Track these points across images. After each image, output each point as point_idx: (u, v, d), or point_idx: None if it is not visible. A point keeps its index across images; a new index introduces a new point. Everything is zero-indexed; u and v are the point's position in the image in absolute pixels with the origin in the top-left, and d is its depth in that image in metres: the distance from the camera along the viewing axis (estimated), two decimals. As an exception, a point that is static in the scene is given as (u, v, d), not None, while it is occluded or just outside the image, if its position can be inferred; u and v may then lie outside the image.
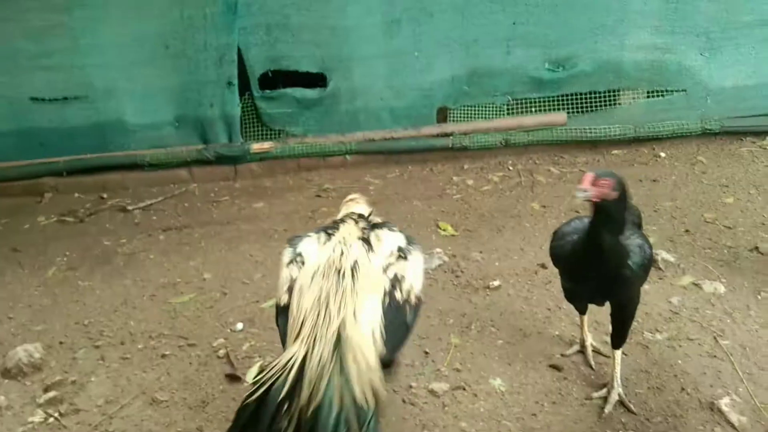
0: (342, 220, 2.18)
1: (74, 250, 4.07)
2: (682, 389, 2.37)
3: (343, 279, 1.86)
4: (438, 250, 3.56)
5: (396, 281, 1.91)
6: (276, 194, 4.72)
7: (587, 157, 4.81)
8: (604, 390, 2.36)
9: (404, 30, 4.81)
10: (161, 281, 3.53)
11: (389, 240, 2.05)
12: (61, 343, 3.02)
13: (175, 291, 3.42)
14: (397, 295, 1.89)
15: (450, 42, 4.83)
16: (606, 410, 2.29)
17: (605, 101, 4.89)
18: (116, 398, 2.58)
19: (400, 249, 2.01)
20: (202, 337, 2.97)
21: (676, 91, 4.86)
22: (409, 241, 2.08)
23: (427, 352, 2.70)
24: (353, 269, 1.88)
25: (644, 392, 2.37)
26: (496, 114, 5.03)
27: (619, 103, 4.95)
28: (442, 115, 5.03)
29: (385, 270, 1.93)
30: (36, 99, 4.98)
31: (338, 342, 1.72)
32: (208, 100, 4.98)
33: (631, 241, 2.13)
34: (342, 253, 1.93)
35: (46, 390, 2.64)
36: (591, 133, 4.79)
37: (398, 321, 1.86)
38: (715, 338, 2.65)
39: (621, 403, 2.32)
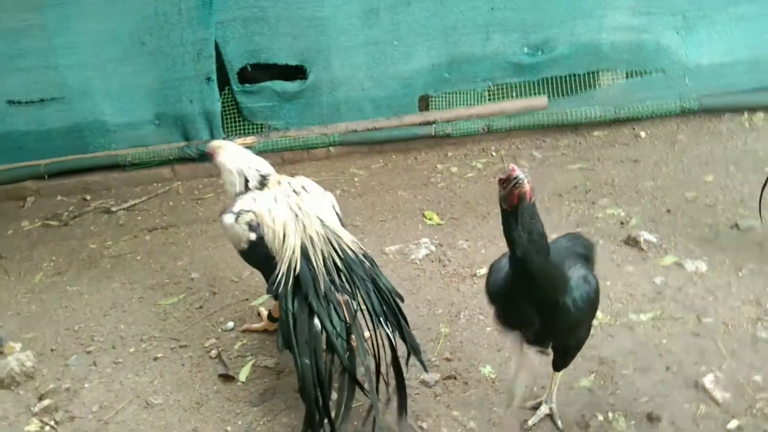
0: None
1: (60, 254, 4.05)
2: (668, 368, 2.44)
3: (298, 195, 2.52)
4: (425, 239, 3.59)
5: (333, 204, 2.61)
6: (261, 189, 4.71)
7: (569, 139, 4.85)
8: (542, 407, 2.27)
9: (382, 19, 4.78)
10: (149, 282, 3.53)
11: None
12: (52, 350, 3.01)
13: (164, 292, 3.42)
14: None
15: (428, 30, 4.81)
16: (530, 422, 2.22)
17: (585, 83, 4.92)
18: (111, 403, 2.59)
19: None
20: (193, 337, 2.99)
21: (655, 71, 4.89)
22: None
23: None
24: (301, 190, 2.55)
25: (630, 373, 2.43)
26: (477, 100, 5.04)
27: (599, 85, 4.99)
28: (424, 104, 5.03)
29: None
30: (12, 102, 4.89)
31: (322, 224, 2.42)
32: (187, 97, 4.93)
33: (574, 271, 1.94)
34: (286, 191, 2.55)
35: (40, 398, 2.65)
36: (572, 115, 4.82)
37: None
38: (698, 317, 2.71)
39: (550, 417, 2.26)
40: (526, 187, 1.67)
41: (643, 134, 4.79)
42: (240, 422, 2.41)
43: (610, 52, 4.83)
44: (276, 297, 2.50)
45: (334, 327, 2.17)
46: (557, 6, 4.73)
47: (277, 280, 2.29)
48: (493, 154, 4.84)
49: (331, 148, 4.98)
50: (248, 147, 4.94)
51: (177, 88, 4.92)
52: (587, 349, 2.56)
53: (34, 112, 4.91)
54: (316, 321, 2.21)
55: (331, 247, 2.37)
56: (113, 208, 4.64)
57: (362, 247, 2.44)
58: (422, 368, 2.32)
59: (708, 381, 2.33)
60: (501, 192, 1.72)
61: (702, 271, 3.03)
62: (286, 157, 5.01)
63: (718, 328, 2.63)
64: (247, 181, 2.62)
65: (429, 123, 4.92)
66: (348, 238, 2.44)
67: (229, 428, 2.37)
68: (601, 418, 2.24)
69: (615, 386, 2.37)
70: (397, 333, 2.22)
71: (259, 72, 4.97)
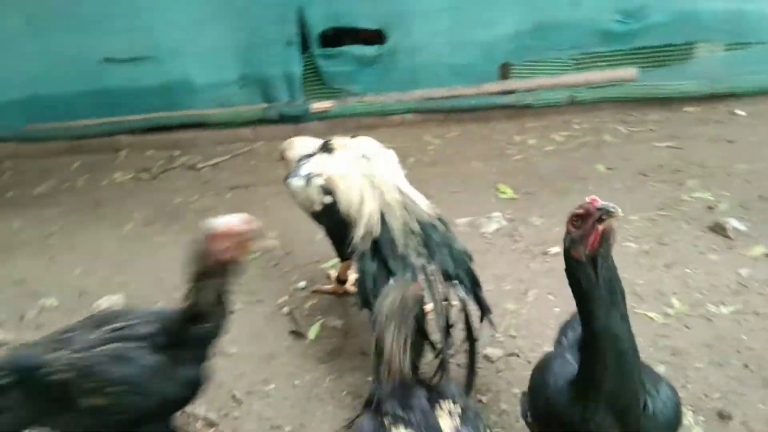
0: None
1: (149, 206, 4.31)
2: (746, 366, 2.33)
3: (369, 160, 2.55)
4: (496, 213, 3.55)
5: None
6: (337, 153, 4.79)
7: (658, 115, 4.60)
8: None
9: (468, -18, 4.68)
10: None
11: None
12: (141, 297, 3.25)
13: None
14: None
15: (514, -6, 4.66)
16: None
17: (679, 55, 4.63)
18: (191, 349, 2.78)
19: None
20: (268, 293, 3.14)
21: (757, 43, 4.52)
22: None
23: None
24: (371, 155, 2.59)
25: (704, 367, 2.34)
26: (561, 70, 4.86)
27: (695, 57, 4.67)
28: (505, 72, 4.90)
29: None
30: (108, 59, 5.19)
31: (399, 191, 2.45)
32: (269, 60, 5.05)
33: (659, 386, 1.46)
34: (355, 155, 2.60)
35: (128, 340, 2.87)
36: (663, 89, 4.57)
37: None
38: (785, 313, 2.57)
39: None
40: (614, 220, 1.27)
41: (740, 112, 4.47)
42: (307, 377, 2.53)
43: (710, 22, 4.51)
44: (344, 259, 2.70)
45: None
46: (655, -29, 4.45)
47: (354, 242, 2.38)
48: (576, 127, 4.67)
49: (407, 115, 4.97)
50: (325, 111, 5.11)
51: (260, 50, 5.05)
52: (660, 338, 2.50)
53: (129, 70, 5.19)
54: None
55: (406, 212, 2.41)
56: (198, 165, 4.88)
57: (437, 210, 2.48)
58: (493, 329, 2.40)
59: (789, 382, 2.21)
60: (574, 233, 1.33)
61: (794, 264, 2.85)
62: (363, 123, 5.05)
63: (807, 327, 2.48)
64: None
65: (509, 92, 4.81)
66: (423, 203, 2.47)
67: (297, 382, 2.50)
68: (667, 409, 2.18)
69: (686, 379, 2.30)
70: (471, 295, 2.24)
71: (339, 36, 5.01)
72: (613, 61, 4.75)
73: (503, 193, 3.86)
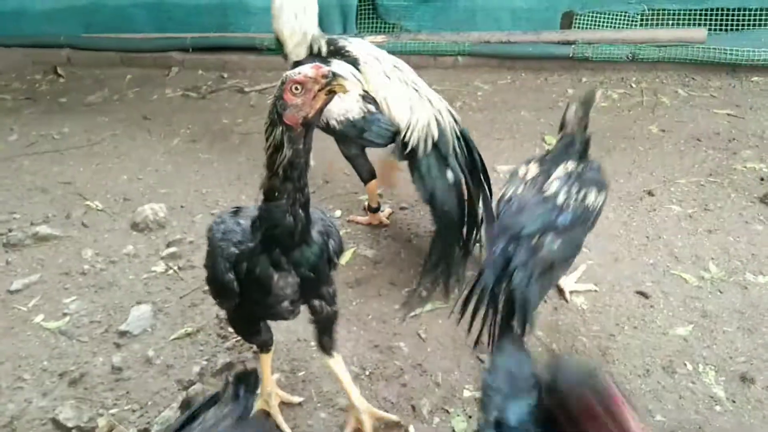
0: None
1: (196, 124, 4.39)
2: (778, 339, 2.30)
3: (401, 71, 2.72)
4: (539, 163, 3.49)
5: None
6: (384, 89, 4.74)
7: (722, 81, 4.39)
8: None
9: None
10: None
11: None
12: (182, 206, 3.36)
13: (283, 173, 3.63)
14: None
15: (588, -62, 4.44)
16: None
17: (754, 20, 4.37)
18: (226, 261, 2.88)
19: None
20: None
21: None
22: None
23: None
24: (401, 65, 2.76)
25: (732, 331, 2.32)
26: (626, 24, 4.65)
27: (772, 24, 4.41)
28: (567, 21, 4.73)
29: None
30: (168, -28, 5.20)
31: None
32: (327, -14, 4.97)
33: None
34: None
35: (167, 245, 2.99)
36: (731, 54, 4.32)
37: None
38: (826, 291, 2.50)
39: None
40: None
41: (814, 84, 4.23)
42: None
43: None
44: (368, 181, 2.93)
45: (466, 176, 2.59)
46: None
47: (407, 144, 2.58)
48: (633, 85, 4.50)
49: (459, 58, 4.86)
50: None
51: (319, -24, 4.95)
52: (691, 300, 2.47)
53: (186, -16, 5.19)
54: (450, 174, 2.57)
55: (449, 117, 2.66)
56: (246, 89, 4.91)
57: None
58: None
59: (820, 357, 2.18)
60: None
61: None
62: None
63: None
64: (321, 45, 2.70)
65: (568, 43, 4.63)
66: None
67: (324, 303, 2.57)
68: (690, 367, 2.18)
69: (713, 340, 2.28)
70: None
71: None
72: (682, 20, 4.52)
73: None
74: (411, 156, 2.60)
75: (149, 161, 3.90)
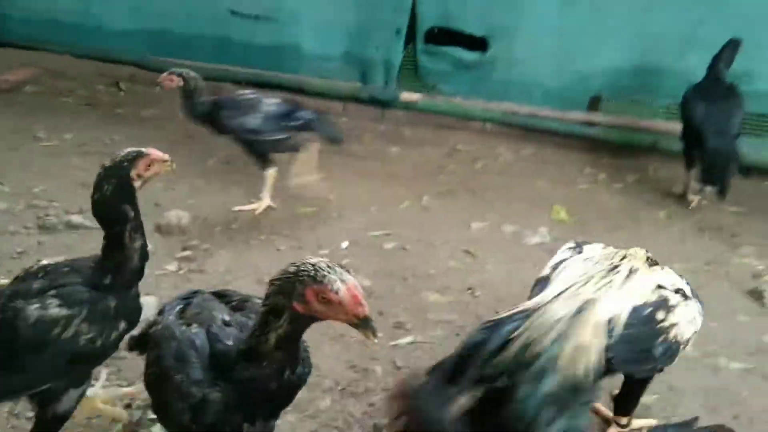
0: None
1: (233, 149, 4.67)
2: (735, 417, 2.37)
3: (614, 273, 1.89)
4: (543, 229, 3.67)
5: (663, 303, 1.87)
6: (412, 144, 5.01)
7: (737, 181, 4.51)
8: None
9: (579, 9, 4.78)
10: (295, 192, 4.02)
11: (672, 275, 2.05)
12: (204, 219, 3.63)
13: (303, 202, 3.89)
14: (657, 315, 1.83)
15: (623, 30, 4.72)
16: None
17: (776, 127, 4.54)
18: (234, 270, 3.11)
19: (680, 289, 1.97)
20: (311, 244, 3.41)
21: None
22: (692, 290, 2.03)
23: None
24: (630, 271, 1.91)
25: (695, 408, 2.39)
26: (651, 115, 4.86)
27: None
28: (594, 104, 4.97)
29: (657, 288, 1.91)
30: (234, 12, 5.68)
31: (579, 313, 1.74)
32: (375, 43, 5.35)
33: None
34: (624, 257, 1.97)
35: (183, 249, 3.25)
36: (750, 157, 4.45)
37: (642, 338, 1.80)
38: (796, 386, 2.56)
39: None
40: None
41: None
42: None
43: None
44: None
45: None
46: (769, 37, 4.38)
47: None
48: (650, 173, 4.67)
49: (487, 124, 5.13)
50: (413, 103, 5.34)
51: (369, 33, 5.36)
52: (661, 373, 2.56)
53: (249, 25, 5.65)
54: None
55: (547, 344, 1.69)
56: (285, 124, 5.25)
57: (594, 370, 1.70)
58: None
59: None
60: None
61: (826, 346, 2.80)
62: (444, 122, 5.25)
63: (815, 403, 2.47)
64: None
65: (593, 124, 4.86)
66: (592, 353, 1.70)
67: (314, 320, 2.74)
68: (645, 433, 2.26)
69: (674, 413, 2.36)
70: None
71: (444, 36, 5.24)
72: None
73: (557, 213, 3.95)
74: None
75: (185, 175, 4.20)
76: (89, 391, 2.04)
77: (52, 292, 1.72)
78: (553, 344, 1.67)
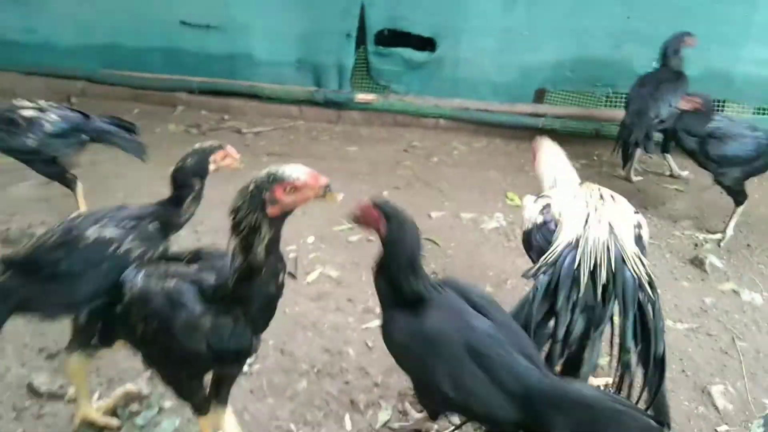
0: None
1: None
2: (683, 371, 2.58)
3: (603, 201, 2.30)
4: (499, 214, 3.86)
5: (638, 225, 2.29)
6: (369, 142, 5.16)
7: (676, 161, 4.83)
8: None
9: (519, 9, 5.03)
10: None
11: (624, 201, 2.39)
12: (169, 223, 3.66)
13: (266, 203, 3.97)
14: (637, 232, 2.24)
15: (561, 27, 4.99)
16: None
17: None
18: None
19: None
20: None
21: (784, 110, 4.74)
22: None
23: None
24: (611, 197, 2.35)
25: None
26: (593, 104, 5.14)
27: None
28: (539, 96, 5.22)
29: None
30: (184, 23, 5.71)
31: (612, 231, 2.12)
32: (327, 48, 5.48)
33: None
34: (596, 190, 2.38)
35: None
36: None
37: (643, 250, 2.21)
38: (733, 339, 2.80)
39: None
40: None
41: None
42: (297, 309, 2.87)
43: (741, 84, 4.74)
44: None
45: (562, 336, 1.98)
46: (696, 27, 4.66)
47: (538, 268, 2.10)
48: (595, 158, 4.94)
49: (441, 120, 5.32)
50: (367, 103, 5.48)
51: (320, 38, 5.48)
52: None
53: (200, 35, 5.70)
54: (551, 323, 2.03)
55: (606, 258, 2.05)
56: (243, 130, 5.33)
57: (650, 273, 2.06)
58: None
59: (716, 390, 2.45)
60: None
61: (757, 303, 3.06)
62: (398, 120, 5.42)
63: (749, 352, 2.71)
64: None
65: (539, 115, 5.11)
66: (635, 257, 2.08)
67: (287, 310, 2.84)
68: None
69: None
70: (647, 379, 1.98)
71: (393, 37, 5.42)
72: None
73: (511, 200, 4.15)
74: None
75: (144, 183, 4.23)
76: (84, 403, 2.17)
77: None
78: (618, 263, 2.04)
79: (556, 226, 2.26)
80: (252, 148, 4.97)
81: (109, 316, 1.88)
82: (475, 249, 3.52)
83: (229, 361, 1.79)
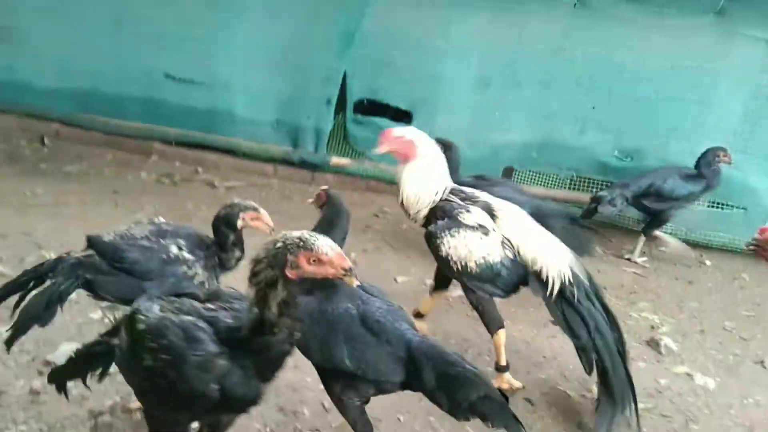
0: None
1: (162, 205, 4.74)
2: (637, 450, 2.58)
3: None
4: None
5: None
6: (341, 205, 5.22)
7: (634, 245, 5.00)
8: None
9: (492, 90, 5.30)
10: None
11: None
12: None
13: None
14: None
15: (529, 110, 5.25)
16: None
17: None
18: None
19: None
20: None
21: (736, 207, 5.00)
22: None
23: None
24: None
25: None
26: (557, 185, 5.35)
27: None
28: (508, 173, 5.41)
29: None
30: (168, 75, 5.82)
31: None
32: (306, 111, 5.64)
33: None
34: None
35: (110, 298, 3.20)
36: (643, 225, 4.98)
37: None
38: (686, 421, 2.83)
39: None
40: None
41: (708, 262, 4.86)
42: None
43: (695, 177, 5.00)
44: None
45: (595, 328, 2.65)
46: (656, 121, 5.01)
47: (552, 286, 2.65)
48: (558, 237, 5.07)
49: (412, 189, 5.43)
50: (342, 167, 5.58)
51: (300, 102, 5.65)
52: (570, 412, 2.77)
53: (183, 88, 5.81)
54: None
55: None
56: (216, 184, 5.36)
57: None
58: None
59: (669, 471, 2.46)
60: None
61: (710, 388, 3.12)
62: (371, 185, 5.54)
63: (702, 436, 2.74)
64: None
65: (506, 192, 5.27)
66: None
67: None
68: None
69: (581, 447, 2.55)
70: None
71: (371, 107, 5.61)
72: (605, 188, 5.22)
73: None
74: (566, 301, 2.67)
75: (110, 227, 4.16)
76: None
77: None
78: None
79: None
80: (223, 202, 4.94)
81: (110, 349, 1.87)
82: (438, 317, 3.53)
83: (233, 407, 1.74)
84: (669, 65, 4.95)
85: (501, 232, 2.71)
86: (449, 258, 2.69)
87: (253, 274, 1.57)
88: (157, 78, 5.80)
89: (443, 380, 1.91)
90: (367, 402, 2.13)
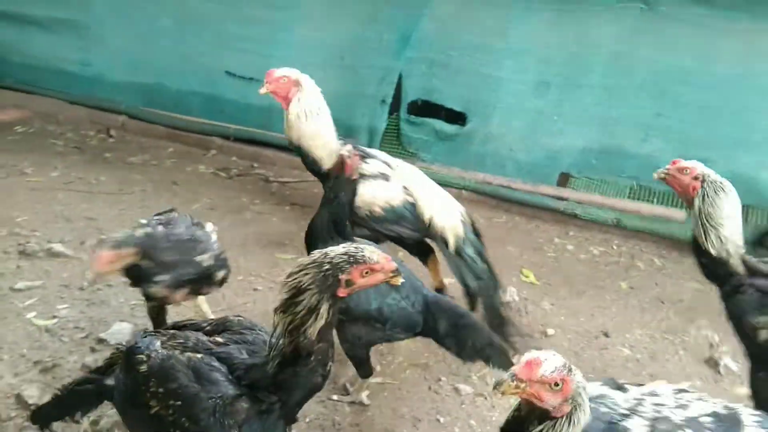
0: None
1: (217, 197, 4.86)
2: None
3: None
4: (513, 289, 3.82)
5: None
6: (391, 205, 5.22)
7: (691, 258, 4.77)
8: None
9: (551, 93, 5.17)
10: (274, 239, 4.16)
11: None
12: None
13: (283, 249, 4.02)
14: None
15: (590, 114, 5.09)
16: None
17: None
18: (212, 305, 3.16)
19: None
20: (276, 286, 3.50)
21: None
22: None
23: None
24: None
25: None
26: (616, 193, 5.17)
27: (746, 221, 4.86)
28: (563, 180, 5.26)
29: None
30: (228, 73, 5.98)
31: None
32: (361, 111, 5.66)
33: None
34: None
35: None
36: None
37: None
38: (745, 445, 2.66)
39: None
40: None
41: (776, 280, 4.58)
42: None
43: (765, 191, 4.73)
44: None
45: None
46: (723, 129, 4.76)
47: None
48: (614, 246, 4.90)
49: (463, 191, 5.37)
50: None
51: (356, 101, 5.67)
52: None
53: (242, 86, 5.94)
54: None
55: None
56: (271, 179, 5.45)
57: None
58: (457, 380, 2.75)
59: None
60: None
61: (772, 412, 2.93)
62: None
63: (762, 462, 2.56)
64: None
65: (561, 198, 5.14)
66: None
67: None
68: None
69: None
70: None
71: (425, 108, 5.58)
72: (666, 199, 5.01)
73: (526, 276, 4.12)
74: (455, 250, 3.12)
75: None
76: None
77: None
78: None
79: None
80: (277, 197, 5.07)
81: (108, 390, 1.68)
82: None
83: None
84: (739, 72, 4.71)
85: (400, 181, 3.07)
86: (357, 207, 2.87)
87: (293, 304, 1.43)
88: (217, 75, 5.97)
89: (455, 329, 2.33)
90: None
